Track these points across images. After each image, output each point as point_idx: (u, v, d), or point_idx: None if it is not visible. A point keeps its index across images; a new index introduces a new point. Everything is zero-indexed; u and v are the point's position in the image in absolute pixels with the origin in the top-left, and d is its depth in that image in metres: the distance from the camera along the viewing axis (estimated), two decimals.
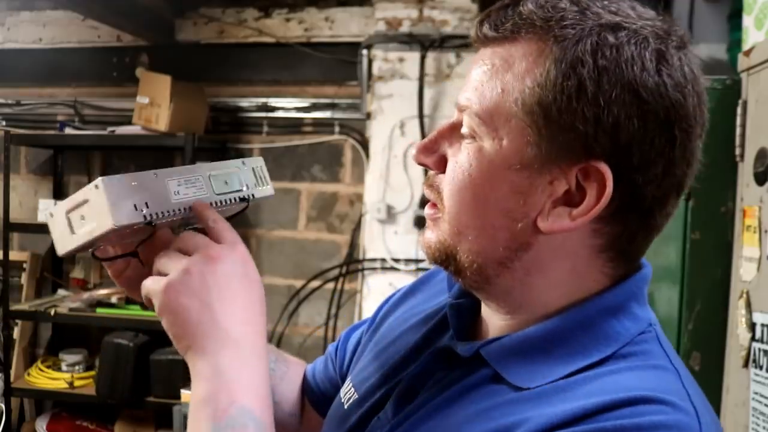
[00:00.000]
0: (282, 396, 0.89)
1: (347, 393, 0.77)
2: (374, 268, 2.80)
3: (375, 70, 2.79)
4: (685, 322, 1.64)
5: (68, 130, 3.06)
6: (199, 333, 0.62)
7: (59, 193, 3.27)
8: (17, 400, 3.16)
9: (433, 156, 0.66)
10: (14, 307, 2.98)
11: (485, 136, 0.61)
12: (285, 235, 3.14)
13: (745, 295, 1.44)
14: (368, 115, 2.84)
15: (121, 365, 2.76)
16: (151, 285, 0.65)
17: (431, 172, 0.67)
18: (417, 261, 2.74)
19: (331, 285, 3.05)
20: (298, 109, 3.12)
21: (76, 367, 2.99)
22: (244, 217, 3.00)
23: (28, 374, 3.04)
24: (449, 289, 0.75)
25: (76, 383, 2.93)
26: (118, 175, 0.64)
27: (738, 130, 1.50)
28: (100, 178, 0.63)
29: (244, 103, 3.17)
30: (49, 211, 0.68)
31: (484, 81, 0.61)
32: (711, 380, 1.53)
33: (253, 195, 0.73)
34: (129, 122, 2.91)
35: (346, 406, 0.76)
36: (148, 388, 2.79)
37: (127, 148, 3.23)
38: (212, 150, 3.09)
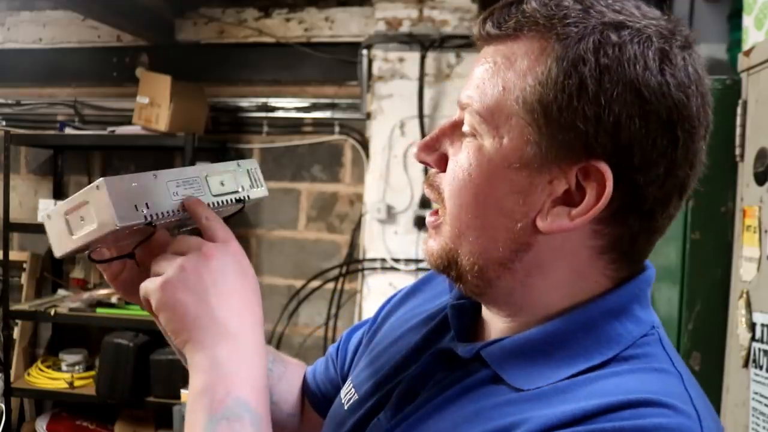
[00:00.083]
0: (280, 396, 0.88)
1: (347, 394, 0.77)
2: (374, 268, 2.80)
3: (375, 70, 2.79)
4: (685, 322, 1.64)
5: (68, 130, 3.06)
6: (196, 327, 0.63)
7: (59, 193, 3.27)
8: (17, 400, 3.16)
9: (434, 154, 0.66)
10: (14, 307, 2.98)
11: (486, 134, 0.60)
12: (285, 235, 3.14)
13: (745, 295, 1.44)
14: (368, 115, 2.84)
15: (121, 365, 2.77)
16: (148, 284, 0.65)
17: (431, 171, 0.67)
18: (417, 261, 2.74)
19: (331, 285, 3.05)
20: (298, 109, 3.12)
21: (76, 367, 2.99)
22: (244, 217, 2.98)
23: (28, 374, 3.04)
24: (451, 290, 0.75)
25: (76, 383, 2.93)
26: (118, 176, 0.65)
27: (738, 130, 1.50)
28: (101, 179, 0.63)
29: (244, 103, 3.17)
30: (47, 213, 0.68)
31: (486, 79, 0.61)
32: (711, 380, 1.53)
33: (248, 196, 0.74)
34: (129, 122, 2.91)
35: (346, 407, 0.76)
36: (148, 388, 2.80)
37: (127, 148, 3.23)
38: (212, 150, 3.09)
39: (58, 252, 0.68)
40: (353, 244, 3.04)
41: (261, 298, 0.67)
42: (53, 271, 3.34)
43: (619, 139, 0.56)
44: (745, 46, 1.66)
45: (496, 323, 0.67)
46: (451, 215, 0.63)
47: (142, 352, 2.78)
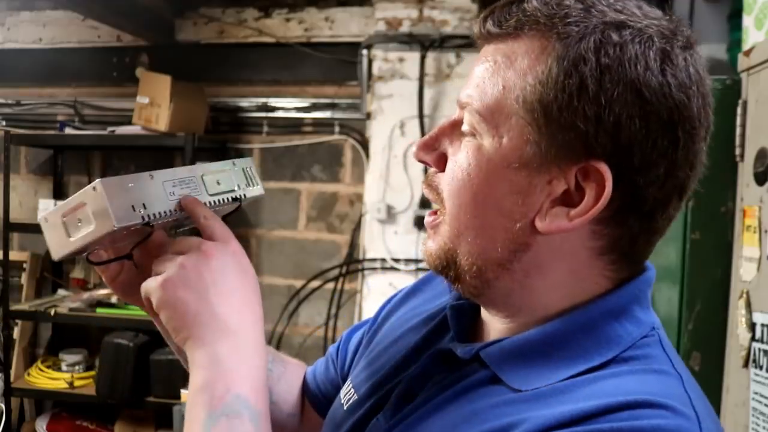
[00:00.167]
0: (279, 396, 0.88)
1: (347, 394, 0.77)
2: (374, 268, 2.80)
3: (375, 70, 2.79)
4: (685, 322, 1.64)
5: (68, 130, 3.06)
6: (197, 324, 0.63)
7: (59, 193, 3.28)
8: (17, 400, 3.16)
9: (433, 154, 0.66)
10: (14, 307, 2.98)
11: (485, 133, 0.60)
12: (285, 235, 3.14)
13: (745, 295, 1.44)
14: (368, 115, 2.84)
15: (121, 365, 2.77)
16: (149, 283, 0.65)
17: (430, 171, 0.67)
18: (417, 261, 2.74)
19: (331, 285, 3.05)
20: (298, 109, 3.12)
21: (76, 367, 2.99)
22: (244, 217, 2.98)
23: (28, 374, 3.04)
24: (450, 290, 0.75)
25: (76, 383, 2.93)
26: (114, 177, 0.65)
27: (738, 130, 1.50)
28: (97, 180, 0.63)
29: (244, 103, 3.17)
30: (44, 216, 0.68)
31: (486, 78, 0.61)
32: (711, 380, 1.53)
33: (244, 195, 0.74)
34: (129, 122, 2.91)
35: (345, 407, 0.76)
36: (148, 388, 2.80)
37: (127, 148, 3.23)
38: (212, 150, 3.09)
39: (56, 255, 0.68)
40: (353, 244, 3.04)
41: (261, 297, 0.67)
42: (53, 271, 3.34)
43: (619, 139, 0.56)
44: (745, 46, 1.66)
45: (495, 324, 0.67)
46: (450, 215, 0.63)
47: (142, 352, 2.78)
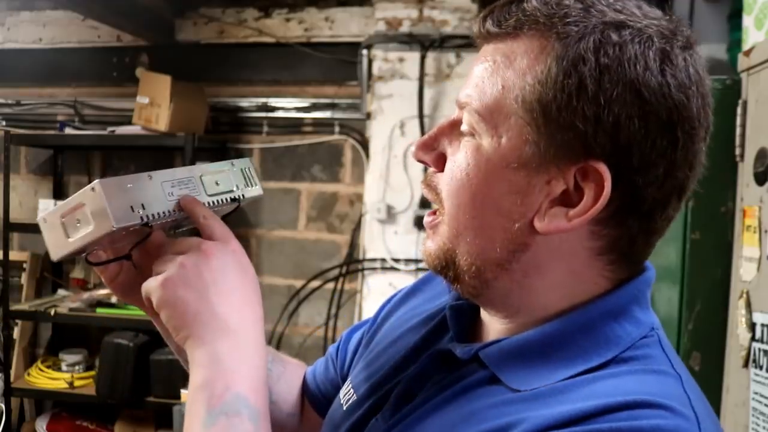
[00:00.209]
0: (279, 396, 0.88)
1: (346, 394, 0.77)
2: (374, 268, 2.80)
3: (375, 70, 2.79)
4: (685, 322, 1.64)
5: (68, 130, 3.06)
6: (197, 323, 0.63)
7: (59, 193, 3.28)
8: (17, 400, 3.16)
9: (432, 153, 0.66)
10: (14, 307, 2.98)
11: (484, 133, 0.60)
12: (285, 235, 3.14)
13: (745, 295, 1.44)
14: (368, 115, 2.84)
15: (121, 365, 2.77)
16: (149, 283, 0.65)
17: (429, 171, 0.67)
18: (417, 261, 2.73)
19: (331, 285, 3.05)
20: (298, 109, 3.12)
21: (76, 367, 2.99)
22: (244, 217, 2.98)
23: (28, 374, 3.04)
24: (450, 290, 0.75)
25: (76, 383, 2.93)
26: (113, 177, 0.65)
27: (738, 130, 1.50)
28: (96, 181, 0.63)
29: (244, 103, 3.17)
30: (42, 217, 0.68)
31: (485, 77, 0.61)
32: (711, 380, 1.53)
33: (243, 195, 0.74)
34: (129, 122, 2.91)
35: (344, 408, 0.76)
36: (148, 388, 2.80)
37: (127, 148, 3.23)
38: (212, 150, 3.09)
39: (55, 255, 0.68)
40: (353, 244, 3.04)
41: (261, 296, 0.67)
42: (53, 271, 3.34)
43: (618, 139, 0.56)
44: (745, 46, 1.66)
45: (494, 324, 0.67)
46: (448, 215, 0.63)
47: (142, 352, 2.78)
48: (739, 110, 1.49)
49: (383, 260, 2.77)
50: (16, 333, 3.17)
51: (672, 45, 0.58)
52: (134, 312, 2.81)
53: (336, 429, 0.75)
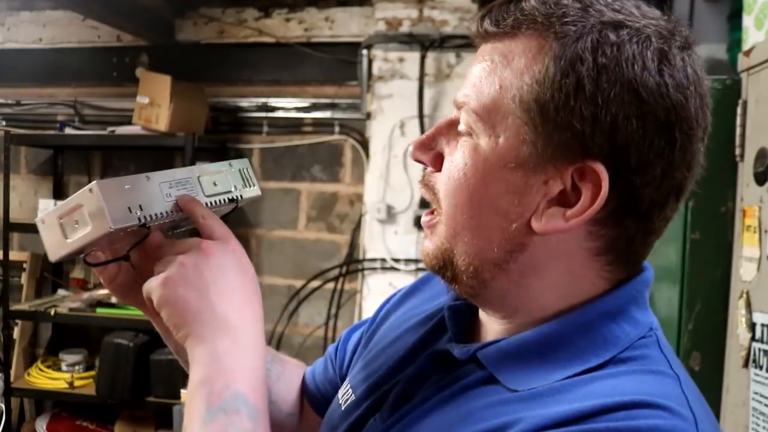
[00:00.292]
0: (278, 396, 0.88)
1: (345, 394, 0.77)
2: (374, 268, 2.80)
3: (375, 70, 2.79)
4: (685, 322, 1.64)
5: (68, 130, 3.06)
6: (197, 321, 0.63)
7: (59, 193, 3.28)
8: (17, 400, 3.16)
9: (429, 153, 0.66)
10: (14, 307, 2.98)
11: (482, 133, 0.60)
12: (285, 235, 3.14)
13: (745, 295, 1.43)
14: (368, 115, 2.84)
15: (121, 365, 2.77)
16: (150, 282, 0.65)
17: (427, 170, 0.67)
18: (417, 261, 2.73)
19: (331, 285, 3.05)
20: (298, 109, 3.12)
21: (76, 367, 2.99)
22: (244, 217, 2.97)
23: (28, 374, 3.04)
24: (448, 290, 0.75)
25: (76, 383, 2.93)
26: (111, 178, 0.65)
27: (738, 130, 1.50)
28: (94, 182, 0.64)
29: (244, 103, 3.17)
30: (40, 218, 0.68)
31: (483, 77, 0.61)
32: (711, 380, 1.53)
33: (241, 196, 0.74)
34: (129, 122, 2.91)
35: (343, 408, 0.76)
36: (148, 388, 2.80)
37: (127, 148, 3.23)
38: (212, 150, 3.09)
39: (53, 256, 0.68)
40: (353, 244, 3.04)
41: (261, 296, 0.68)
42: (53, 271, 3.34)
43: (616, 139, 0.56)
44: (745, 46, 1.66)
45: (492, 325, 0.67)
46: (446, 215, 0.63)
47: (142, 352, 2.78)
48: (739, 110, 1.49)
49: (383, 260, 2.77)
50: (16, 333, 3.17)
51: (670, 45, 0.57)
52: (134, 312, 2.81)
53: (334, 429, 0.75)
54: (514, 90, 0.58)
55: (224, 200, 0.72)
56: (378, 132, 2.79)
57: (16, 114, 3.37)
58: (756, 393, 1.38)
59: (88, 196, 0.64)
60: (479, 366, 0.63)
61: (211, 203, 0.71)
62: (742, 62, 1.50)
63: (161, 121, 2.80)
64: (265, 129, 3.14)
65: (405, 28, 2.76)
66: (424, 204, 2.70)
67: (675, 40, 0.58)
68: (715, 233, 1.61)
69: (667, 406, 0.52)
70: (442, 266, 0.64)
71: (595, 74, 0.55)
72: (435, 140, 0.65)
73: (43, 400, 3.25)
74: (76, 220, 0.65)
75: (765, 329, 1.37)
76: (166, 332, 0.73)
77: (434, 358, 0.68)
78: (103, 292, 3.00)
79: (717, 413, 1.53)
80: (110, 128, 2.96)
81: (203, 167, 0.73)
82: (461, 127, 0.62)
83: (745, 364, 1.42)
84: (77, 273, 3.29)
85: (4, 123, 3.35)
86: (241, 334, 0.64)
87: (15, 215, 3.00)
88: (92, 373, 2.95)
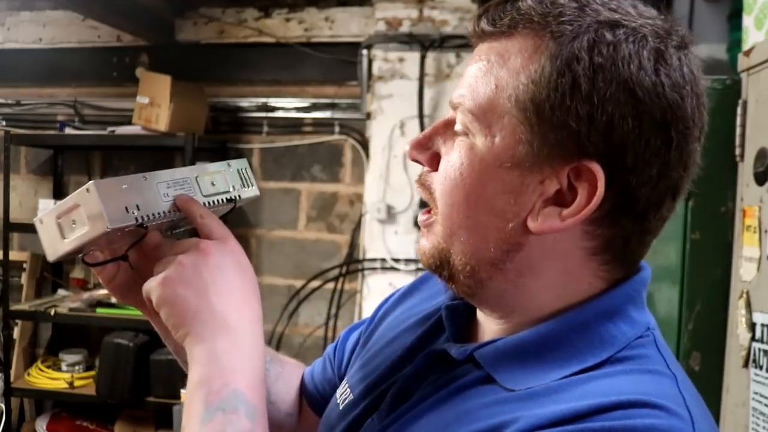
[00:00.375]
0: (277, 396, 0.89)
1: (343, 394, 0.77)
2: (374, 268, 2.80)
3: (375, 70, 2.79)
4: (685, 322, 1.64)
5: (68, 130, 3.06)
6: (196, 321, 0.63)
7: (59, 193, 3.28)
8: (17, 400, 3.16)
9: (426, 153, 0.66)
10: (14, 307, 2.98)
11: (478, 133, 0.60)
12: (285, 235, 3.14)
13: (745, 295, 1.43)
14: (368, 115, 2.84)
15: (121, 365, 2.77)
16: (149, 282, 0.66)
17: (424, 170, 0.67)
18: (417, 261, 2.73)
19: (331, 285, 3.05)
20: (298, 109, 3.12)
21: (76, 367, 2.99)
22: (244, 217, 2.97)
23: (28, 374, 3.04)
24: (446, 290, 0.75)
25: (76, 383, 2.93)
26: (108, 178, 0.65)
27: (738, 130, 1.50)
28: (91, 182, 0.64)
29: (244, 103, 3.17)
30: (39, 217, 0.68)
31: (479, 77, 0.61)
32: (711, 380, 1.53)
33: (239, 196, 0.74)
34: (129, 122, 2.91)
35: (341, 407, 0.76)
36: (148, 388, 2.80)
37: (127, 148, 3.23)
38: (212, 150, 3.09)
39: (51, 256, 0.68)
40: (353, 244, 3.04)
41: (260, 295, 0.68)
42: (53, 271, 3.34)
43: (612, 139, 0.56)
44: (745, 46, 1.66)
45: (489, 324, 0.67)
46: (442, 215, 0.63)
47: (142, 352, 2.78)
48: (739, 110, 1.49)
49: (383, 260, 2.77)
50: (16, 333, 3.17)
51: (666, 44, 0.57)
52: (134, 312, 2.80)
53: (332, 429, 0.75)
54: (510, 89, 0.58)
55: (222, 200, 0.73)
56: (378, 132, 2.79)
57: (16, 114, 3.38)
58: (756, 393, 1.38)
59: (86, 195, 0.64)
60: (476, 366, 0.63)
61: (209, 203, 0.71)
62: (742, 62, 1.50)
63: (161, 121, 2.80)
64: (265, 129, 3.14)
65: (405, 28, 2.76)
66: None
67: (671, 39, 0.58)
68: (715, 233, 1.61)
69: (663, 405, 0.52)
70: (439, 265, 0.64)
71: (591, 73, 0.55)
72: (431, 140, 0.65)
73: (43, 400, 3.25)
74: (73, 219, 0.65)
75: (765, 329, 1.37)
76: (165, 332, 0.73)
77: (432, 358, 0.68)
78: (103, 292, 3.00)
79: (717, 413, 1.53)
80: (110, 128, 2.96)
81: (202, 167, 0.73)
82: (457, 127, 0.62)
83: (745, 364, 1.42)
84: (77, 273, 3.29)
85: (4, 123, 3.35)
86: (240, 333, 0.64)
87: (15, 215, 3.00)
88: (92, 373, 2.95)
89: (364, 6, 2.98)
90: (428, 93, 2.73)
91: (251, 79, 3.15)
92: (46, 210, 0.70)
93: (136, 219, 0.65)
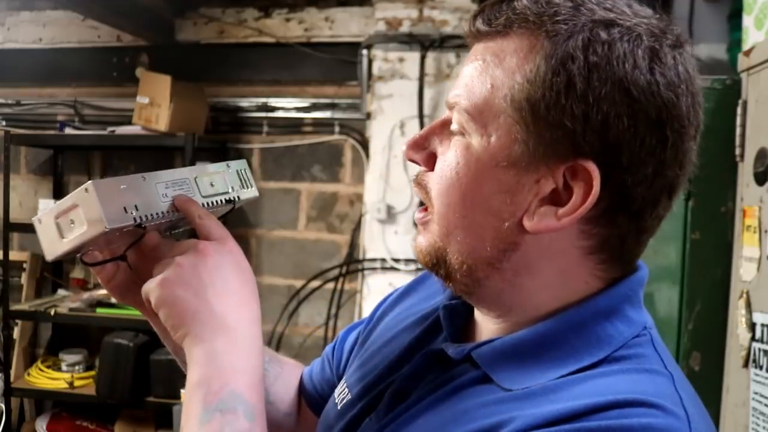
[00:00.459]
0: (276, 396, 0.89)
1: (341, 393, 0.77)
2: (374, 268, 2.79)
3: (375, 70, 2.79)
4: (685, 322, 1.64)
5: (68, 130, 3.06)
6: (195, 321, 0.63)
7: (59, 193, 3.28)
8: (17, 400, 3.16)
9: (422, 153, 0.66)
10: (14, 307, 2.98)
11: (474, 132, 0.60)
12: (285, 235, 3.14)
13: (745, 295, 1.43)
14: (368, 115, 2.84)
15: (121, 365, 2.77)
16: (148, 284, 0.66)
17: (420, 170, 0.67)
18: (417, 261, 2.73)
19: (331, 285, 3.05)
20: (298, 109, 3.12)
21: (76, 367, 2.99)
22: (243, 217, 2.97)
23: (28, 374, 3.04)
24: (444, 290, 0.75)
25: (76, 383, 2.93)
26: (107, 179, 0.65)
27: (738, 130, 1.50)
28: (89, 182, 0.64)
29: (244, 103, 3.17)
30: (37, 217, 0.69)
31: (475, 77, 0.61)
32: (711, 380, 1.53)
33: (238, 197, 0.74)
34: (129, 122, 2.91)
35: (339, 407, 0.76)
36: (148, 388, 2.80)
37: (127, 148, 3.23)
38: (212, 150, 3.09)
39: (50, 256, 0.68)
40: (353, 244, 3.04)
41: (258, 295, 0.68)
42: (53, 271, 3.34)
43: (607, 138, 0.56)
44: (745, 46, 1.66)
45: (487, 324, 0.67)
46: (438, 214, 0.63)
47: (142, 352, 2.78)
48: (739, 110, 1.49)
49: (383, 260, 2.77)
50: (16, 333, 3.17)
51: (661, 43, 0.58)
52: (134, 312, 2.78)
53: (330, 428, 0.75)
54: (505, 89, 0.59)
55: (221, 201, 0.73)
56: (378, 132, 2.79)
57: (16, 114, 3.38)
58: (756, 393, 1.38)
59: (84, 195, 0.64)
60: (474, 365, 0.63)
61: (207, 204, 0.71)
62: (742, 62, 1.50)
63: (161, 121, 2.80)
64: (265, 129, 3.14)
65: (405, 28, 2.76)
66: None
67: (666, 38, 0.58)
68: (715, 233, 1.61)
69: (660, 404, 0.52)
70: (435, 263, 0.65)
71: (586, 72, 0.55)
72: (428, 140, 0.66)
73: (43, 400, 3.25)
74: (72, 219, 0.65)
75: (765, 329, 1.37)
76: (164, 333, 0.73)
77: (429, 358, 0.68)
78: (103, 292, 3.00)
79: (717, 413, 1.53)
80: (110, 128, 2.96)
81: (201, 168, 0.73)
82: (453, 127, 0.63)
83: (745, 364, 1.42)
84: (77, 273, 3.29)
85: (4, 123, 3.35)
86: (239, 334, 0.64)
87: (15, 215, 3.00)
88: (92, 373, 2.95)
89: (364, 6, 2.98)
90: (428, 93, 2.73)
91: (251, 79, 3.15)
92: (45, 210, 0.70)
93: (135, 219, 0.65)
